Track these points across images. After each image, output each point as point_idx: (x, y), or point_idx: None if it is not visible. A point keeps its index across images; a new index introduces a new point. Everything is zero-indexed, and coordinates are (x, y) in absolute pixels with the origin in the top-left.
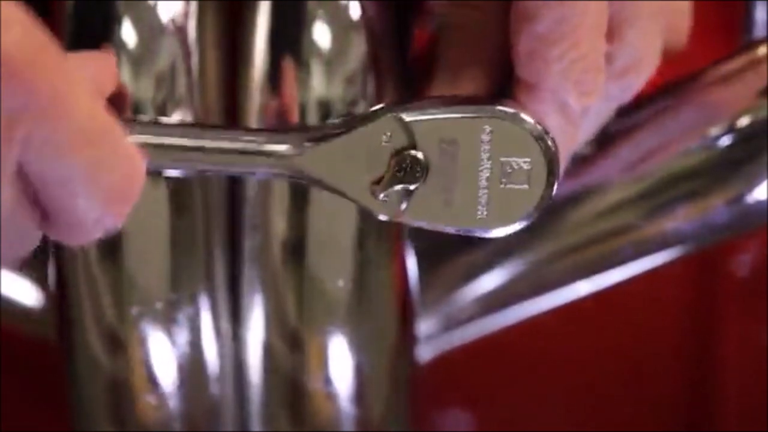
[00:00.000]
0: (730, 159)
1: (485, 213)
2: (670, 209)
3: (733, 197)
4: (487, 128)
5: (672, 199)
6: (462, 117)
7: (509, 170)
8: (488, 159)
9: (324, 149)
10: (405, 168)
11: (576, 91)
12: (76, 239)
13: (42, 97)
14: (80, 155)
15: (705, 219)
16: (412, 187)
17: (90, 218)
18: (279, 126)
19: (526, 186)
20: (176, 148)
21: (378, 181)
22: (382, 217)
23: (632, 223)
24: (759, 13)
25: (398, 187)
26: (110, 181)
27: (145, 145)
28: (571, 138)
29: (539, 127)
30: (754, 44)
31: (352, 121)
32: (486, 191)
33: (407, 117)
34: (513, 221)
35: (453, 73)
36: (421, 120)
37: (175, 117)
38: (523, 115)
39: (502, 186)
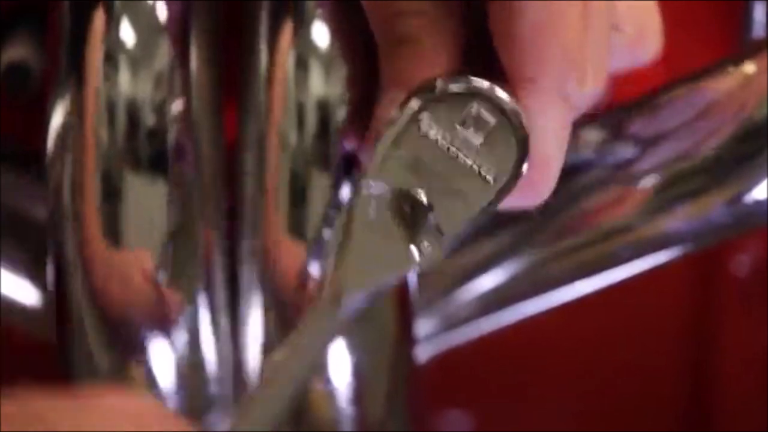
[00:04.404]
0: (730, 158)
1: (492, 176)
2: (669, 209)
3: (732, 197)
4: (423, 119)
5: (671, 198)
6: (398, 132)
7: (471, 133)
8: (450, 142)
9: (350, 265)
10: (410, 214)
11: (574, 78)
12: None
13: None
14: None
15: (704, 218)
16: (431, 217)
17: None
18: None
19: (494, 133)
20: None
21: (412, 241)
22: (443, 257)
23: (631, 223)
24: (758, 13)
25: (423, 228)
26: None
27: None
28: (568, 127)
29: (467, 82)
30: (754, 45)
31: (345, 227)
32: (474, 160)
33: (372, 182)
34: (510, 170)
35: (407, 88)
36: (379, 170)
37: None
38: (446, 82)
39: (478, 149)
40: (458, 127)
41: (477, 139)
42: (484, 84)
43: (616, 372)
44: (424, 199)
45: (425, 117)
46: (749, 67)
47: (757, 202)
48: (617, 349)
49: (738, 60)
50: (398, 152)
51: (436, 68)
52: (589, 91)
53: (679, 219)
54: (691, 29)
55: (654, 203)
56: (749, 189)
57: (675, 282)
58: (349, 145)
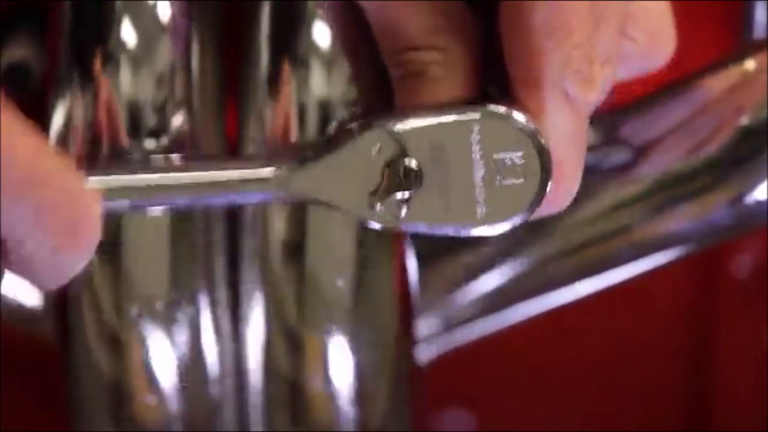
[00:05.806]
0: (731, 158)
1: (484, 211)
2: (669, 209)
3: (733, 197)
4: (476, 128)
5: (672, 199)
6: (449, 121)
7: (503, 167)
8: (481, 158)
9: (315, 168)
10: (399, 177)
11: (578, 81)
12: (42, 282)
13: None
14: (22, 199)
15: (705, 219)
16: (407, 195)
17: (44, 260)
18: (270, 149)
19: (522, 180)
20: (153, 187)
21: (374, 193)
22: (381, 227)
23: (632, 224)
24: (759, 13)
25: (395, 196)
26: (57, 223)
27: (112, 187)
28: (581, 130)
29: (529, 123)
30: (755, 44)
31: (341, 137)
32: (483, 189)
33: (395, 127)
34: (512, 216)
35: None
36: (409, 129)
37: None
38: (513, 113)
39: (498, 183)
40: (496, 155)
41: (500, 179)
42: (500, 109)
43: (616, 372)
44: (419, 178)
45: (475, 127)
46: (749, 64)
47: (758, 203)
48: (618, 349)
49: (737, 59)
50: (430, 130)
51: (446, 100)
52: (598, 93)
53: (679, 220)
54: (691, 29)
55: (655, 204)
56: (750, 190)
57: (675, 282)
58: None
